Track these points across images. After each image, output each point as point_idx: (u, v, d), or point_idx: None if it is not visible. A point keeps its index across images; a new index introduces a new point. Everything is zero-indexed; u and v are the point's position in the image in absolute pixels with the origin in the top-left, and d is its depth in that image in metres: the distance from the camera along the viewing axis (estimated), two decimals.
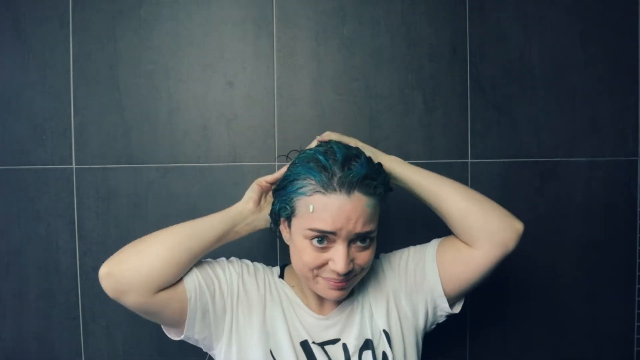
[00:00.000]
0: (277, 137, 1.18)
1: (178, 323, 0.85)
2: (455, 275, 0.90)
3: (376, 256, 0.99)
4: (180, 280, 0.85)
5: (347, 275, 0.82)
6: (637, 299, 1.26)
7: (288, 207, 0.83)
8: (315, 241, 0.80)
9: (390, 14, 1.19)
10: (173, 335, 0.91)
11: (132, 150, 1.17)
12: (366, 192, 0.79)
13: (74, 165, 1.16)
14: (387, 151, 1.18)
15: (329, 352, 0.86)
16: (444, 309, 0.93)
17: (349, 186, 0.78)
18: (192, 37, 1.17)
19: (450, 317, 0.96)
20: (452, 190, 0.90)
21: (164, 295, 0.82)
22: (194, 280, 0.85)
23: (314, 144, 0.93)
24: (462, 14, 1.20)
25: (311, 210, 0.79)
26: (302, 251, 0.82)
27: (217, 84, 1.17)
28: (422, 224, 1.18)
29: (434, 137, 1.20)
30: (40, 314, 1.17)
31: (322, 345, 0.87)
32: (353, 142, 0.93)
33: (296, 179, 0.82)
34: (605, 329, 1.26)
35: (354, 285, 0.88)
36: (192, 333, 0.86)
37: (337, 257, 0.79)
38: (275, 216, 0.89)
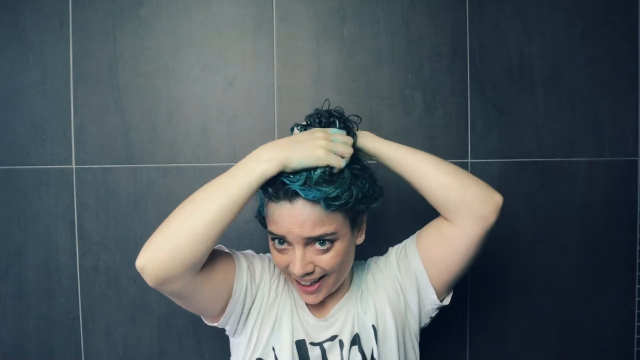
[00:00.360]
0: (277, 137, 1.18)
1: (217, 301, 0.85)
2: (437, 257, 0.88)
3: (365, 259, 1.00)
4: (227, 257, 0.87)
5: (312, 277, 0.83)
6: (637, 299, 1.26)
7: (261, 210, 0.89)
8: (276, 242, 0.84)
9: (390, 14, 1.19)
10: (208, 320, 0.91)
11: (132, 150, 1.17)
12: (309, 201, 0.79)
13: (74, 165, 1.16)
14: None
15: (326, 349, 0.88)
16: (433, 301, 0.91)
17: (290, 195, 0.79)
18: (192, 37, 1.17)
19: (450, 316, 0.96)
20: (429, 165, 0.86)
21: (207, 272, 0.81)
22: (242, 274, 0.87)
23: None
24: (462, 14, 1.20)
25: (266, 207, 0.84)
26: (272, 253, 0.86)
27: (217, 84, 1.17)
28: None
29: (434, 137, 1.20)
30: (40, 314, 1.17)
31: (320, 344, 0.88)
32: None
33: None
34: (605, 329, 1.26)
35: (333, 288, 0.88)
36: (233, 308, 0.86)
37: (293, 259, 0.82)
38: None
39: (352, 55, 1.19)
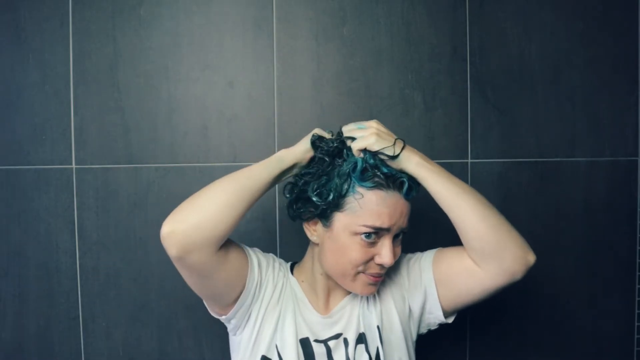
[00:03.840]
0: (277, 137, 1.18)
1: (233, 287, 0.86)
2: (452, 285, 0.89)
3: None
4: (240, 250, 0.87)
5: (386, 268, 0.86)
6: (637, 299, 1.26)
7: (334, 201, 0.83)
8: (363, 236, 0.82)
9: (390, 14, 1.19)
10: (216, 311, 0.91)
11: (132, 150, 1.17)
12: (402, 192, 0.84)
13: (74, 165, 1.16)
14: None
15: (330, 346, 0.88)
16: (438, 317, 0.92)
17: (399, 185, 0.83)
18: (192, 37, 1.17)
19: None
20: (474, 214, 0.82)
21: (224, 254, 0.83)
22: (254, 267, 0.88)
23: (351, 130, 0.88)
24: (462, 14, 1.20)
25: (362, 197, 0.82)
26: (348, 248, 0.83)
27: (217, 84, 1.17)
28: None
29: (434, 137, 1.20)
30: (40, 314, 1.17)
31: (325, 341, 0.89)
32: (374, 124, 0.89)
33: (352, 171, 0.82)
34: (605, 329, 1.26)
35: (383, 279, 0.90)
36: (244, 301, 0.87)
37: (385, 251, 0.83)
38: (304, 210, 0.87)
39: (352, 55, 1.19)
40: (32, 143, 1.16)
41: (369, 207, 0.81)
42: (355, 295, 0.93)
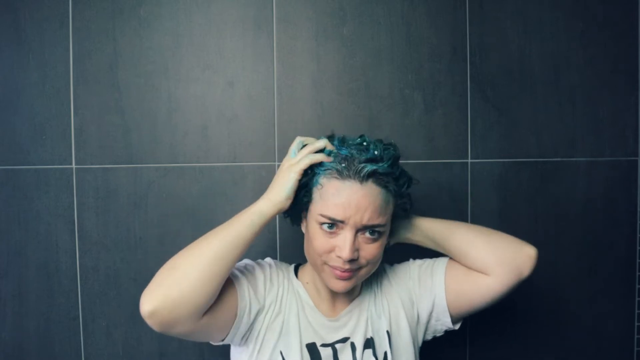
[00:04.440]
0: (277, 137, 1.18)
1: (224, 330, 0.85)
2: (463, 292, 0.90)
3: (382, 265, 1.00)
4: (227, 285, 0.84)
5: (352, 265, 0.83)
6: (637, 299, 1.26)
7: (310, 195, 0.85)
8: (325, 226, 0.82)
9: (390, 14, 1.19)
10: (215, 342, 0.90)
11: (132, 150, 1.17)
12: (379, 183, 0.82)
13: (74, 165, 1.16)
14: None
15: (338, 350, 0.87)
16: (446, 323, 0.94)
17: (363, 176, 0.80)
18: (192, 37, 1.17)
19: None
20: (456, 229, 0.92)
21: (211, 314, 0.81)
22: (244, 293, 0.85)
23: None
24: (462, 14, 1.20)
25: (322, 188, 0.83)
26: (313, 237, 0.84)
27: (217, 84, 1.17)
28: None
29: (434, 137, 1.20)
30: (40, 314, 1.17)
31: (332, 345, 0.88)
32: None
33: (319, 166, 0.85)
34: (605, 329, 1.26)
35: (359, 280, 0.88)
36: (238, 328, 0.86)
37: (343, 243, 0.81)
38: (299, 209, 0.89)
39: (352, 55, 1.19)
40: (32, 143, 1.16)
41: (325, 197, 0.82)
42: (363, 299, 0.93)
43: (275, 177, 0.87)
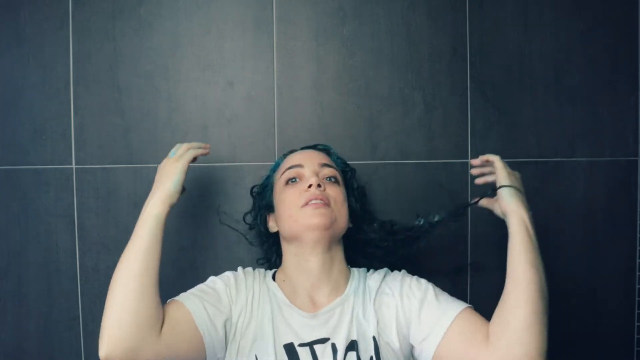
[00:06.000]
0: (277, 137, 1.18)
1: (198, 352, 0.84)
2: (457, 352, 0.83)
3: (381, 266, 1.00)
4: (179, 310, 0.84)
5: (322, 193, 0.91)
6: (637, 299, 1.26)
7: (269, 191, 1.03)
8: (290, 181, 0.96)
9: (390, 14, 1.19)
10: None
11: (132, 150, 1.17)
12: (324, 151, 1.05)
13: (74, 165, 1.16)
14: (387, 151, 1.19)
15: (317, 352, 0.84)
16: (426, 358, 0.86)
17: (309, 146, 1.07)
18: (192, 37, 1.17)
19: None
20: (527, 296, 0.82)
21: (170, 333, 0.81)
22: (196, 308, 0.84)
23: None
24: (462, 14, 1.20)
25: (279, 169, 1.02)
26: (286, 199, 0.94)
27: (217, 84, 1.17)
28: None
29: (434, 137, 1.20)
30: (40, 314, 1.17)
31: (310, 344, 0.85)
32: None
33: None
34: (605, 329, 1.26)
35: (333, 221, 0.90)
36: (212, 346, 0.85)
37: (308, 177, 0.95)
38: (261, 218, 1.05)
39: (352, 55, 1.19)
40: (32, 143, 1.16)
41: (285, 163, 1.01)
42: (347, 299, 0.91)
43: (158, 176, 0.94)
